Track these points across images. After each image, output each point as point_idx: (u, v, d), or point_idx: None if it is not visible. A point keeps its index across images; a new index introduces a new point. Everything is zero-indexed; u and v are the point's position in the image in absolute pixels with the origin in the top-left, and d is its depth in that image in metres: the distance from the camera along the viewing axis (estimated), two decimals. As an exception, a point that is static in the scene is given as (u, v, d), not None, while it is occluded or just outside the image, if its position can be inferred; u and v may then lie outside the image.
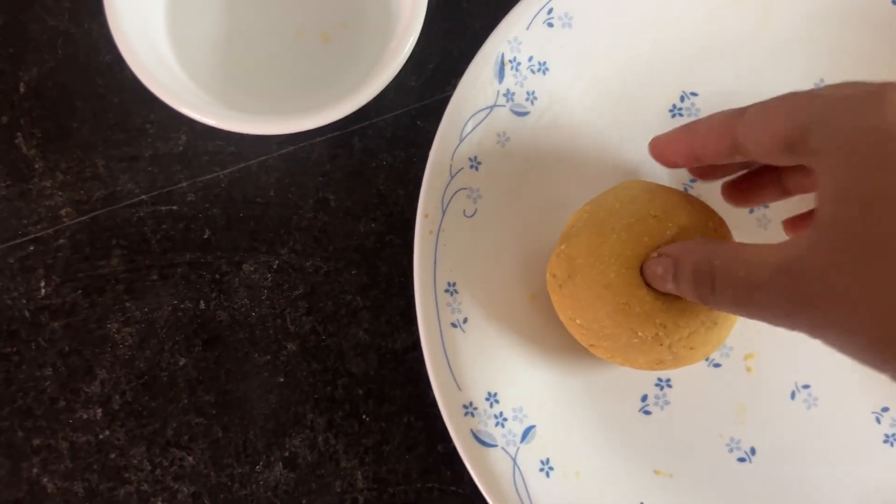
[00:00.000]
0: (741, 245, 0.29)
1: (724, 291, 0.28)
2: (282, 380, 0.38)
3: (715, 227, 0.35)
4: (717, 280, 0.28)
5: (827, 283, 0.24)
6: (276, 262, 0.38)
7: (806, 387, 0.38)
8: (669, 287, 0.31)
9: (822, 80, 0.40)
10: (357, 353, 0.38)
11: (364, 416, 0.38)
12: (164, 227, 0.38)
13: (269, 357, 0.38)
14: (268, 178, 0.39)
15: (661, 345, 0.33)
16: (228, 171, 0.39)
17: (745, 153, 0.30)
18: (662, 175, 0.39)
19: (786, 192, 0.34)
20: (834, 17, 0.40)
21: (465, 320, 0.36)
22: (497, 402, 0.36)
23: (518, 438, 0.36)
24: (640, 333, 0.33)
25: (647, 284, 0.33)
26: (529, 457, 0.36)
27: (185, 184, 0.38)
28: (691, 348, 0.34)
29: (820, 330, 0.25)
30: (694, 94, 0.40)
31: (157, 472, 0.37)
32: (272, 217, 0.38)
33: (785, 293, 0.25)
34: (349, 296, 0.38)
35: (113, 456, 0.37)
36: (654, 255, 0.32)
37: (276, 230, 0.38)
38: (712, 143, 0.31)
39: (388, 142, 0.39)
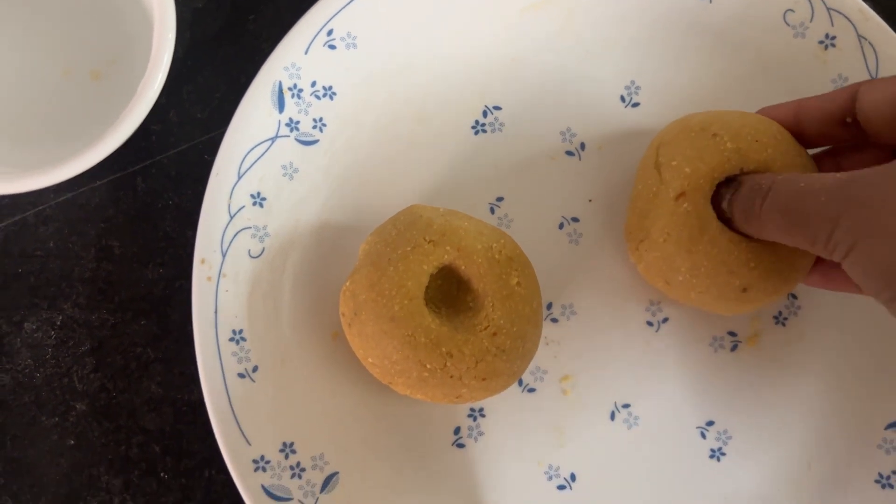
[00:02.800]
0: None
1: (777, 199, 0.29)
2: (72, 442, 0.36)
3: (500, 248, 0.33)
4: (773, 190, 0.29)
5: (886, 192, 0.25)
6: (60, 318, 0.36)
7: (626, 406, 0.37)
8: (724, 205, 0.32)
9: (632, 83, 0.38)
10: (151, 408, 0.36)
11: (162, 474, 0.36)
12: (-63, 290, 0.36)
13: (57, 419, 0.36)
14: (46, 228, 0.36)
15: (452, 377, 0.32)
16: (4, 224, 0.36)
17: (858, 115, 0.31)
18: (463, 198, 0.37)
19: None
20: (639, 17, 0.38)
21: (255, 369, 0.35)
22: (294, 451, 0.34)
23: (317, 488, 0.34)
24: (428, 366, 0.32)
25: (426, 311, 0.32)
26: (330, 506, 0.34)
27: (-43, 242, 0.36)
28: (483, 379, 0.32)
29: (859, 234, 0.26)
30: (497, 107, 0.38)
31: (-54, 549, 0.35)
32: (53, 270, 0.36)
33: (840, 195, 0.27)
34: (139, 348, 0.36)
35: None
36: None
37: (58, 284, 0.36)
38: (824, 101, 0.32)
39: (174, 180, 0.37)
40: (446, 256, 0.32)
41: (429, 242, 0.32)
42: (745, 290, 0.33)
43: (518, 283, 0.33)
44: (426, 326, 0.32)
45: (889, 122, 0.30)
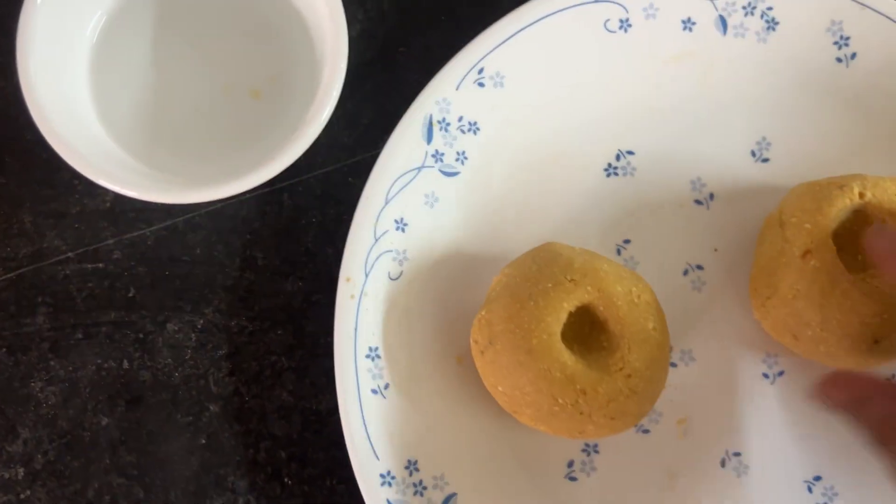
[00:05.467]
0: None
1: None
2: (204, 441, 0.37)
3: (639, 293, 0.34)
4: None
5: None
6: (201, 321, 0.38)
7: (737, 454, 0.38)
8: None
9: (763, 139, 0.39)
10: (280, 415, 0.38)
11: (286, 480, 0.37)
12: (89, 284, 0.38)
13: (191, 418, 0.37)
14: (194, 235, 0.38)
15: (582, 413, 0.33)
16: (155, 228, 0.38)
17: None
18: (591, 237, 0.38)
19: None
20: (776, 75, 0.39)
21: (387, 386, 0.36)
22: (417, 469, 0.36)
23: (438, 507, 0.36)
24: (560, 400, 0.33)
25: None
26: (449, 526, 0.36)
27: (111, 241, 0.38)
28: (612, 418, 0.33)
29: None
30: (630, 152, 0.39)
31: (78, 532, 0.37)
32: (198, 276, 0.38)
33: None
34: (274, 356, 0.38)
35: (33, 516, 0.37)
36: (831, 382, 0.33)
37: (202, 289, 0.38)
38: None
39: (319, 199, 0.39)
40: (587, 296, 0.34)
41: (570, 281, 0.34)
42: (876, 341, 0.34)
43: (654, 328, 0.34)
44: (562, 362, 0.33)
45: None
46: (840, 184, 0.35)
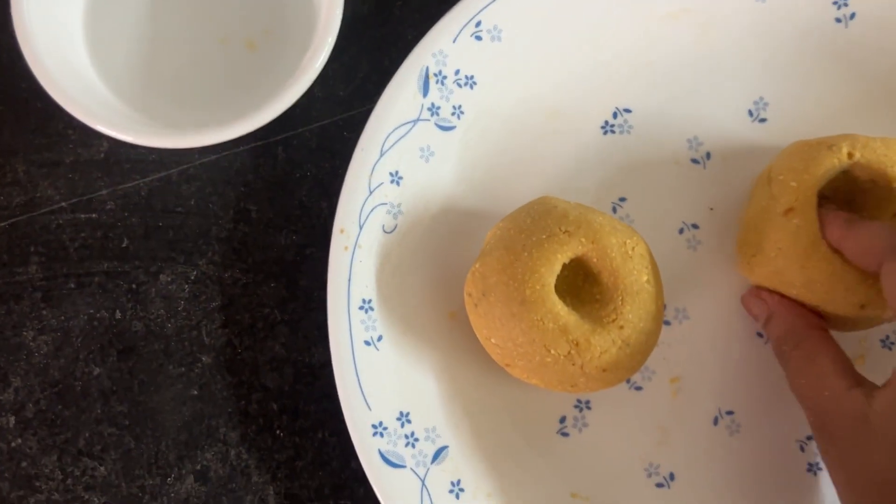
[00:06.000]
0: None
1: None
2: (195, 392, 0.37)
3: (634, 245, 0.34)
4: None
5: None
6: (194, 272, 0.38)
7: (729, 413, 0.38)
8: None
9: (761, 99, 0.39)
10: (273, 367, 0.38)
11: (278, 431, 0.37)
12: (82, 234, 0.38)
13: (183, 369, 0.37)
14: (188, 187, 0.38)
15: (574, 364, 0.33)
16: (149, 179, 0.38)
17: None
18: (587, 194, 0.38)
19: None
20: (774, 35, 0.39)
21: (380, 338, 0.36)
22: (409, 421, 0.36)
23: (429, 459, 0.36)
24: (552, 351, 0.33)
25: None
26: (439, 478, 0.36)
27: (104, 191, 0.38)
28: (603, 370, 0.33)
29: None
30: (627, 110, 0.39)
31: (69, 481, 0.37)
32: (191, 227, 0.38)
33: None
34: (267, 309, 0.38)
35: (24, 465, 0.37)
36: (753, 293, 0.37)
37: (195, 240, 0.38)
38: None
39: (313, 152, 0.39)
40: (580, 247, 0.33)
41: (564, 232, 0.33)
42: (863, 306, 0.33)
43: (647, 281, 0.34)
44: (555, 313, 0.33)
45: None
46: (829, 143, 0.35)
